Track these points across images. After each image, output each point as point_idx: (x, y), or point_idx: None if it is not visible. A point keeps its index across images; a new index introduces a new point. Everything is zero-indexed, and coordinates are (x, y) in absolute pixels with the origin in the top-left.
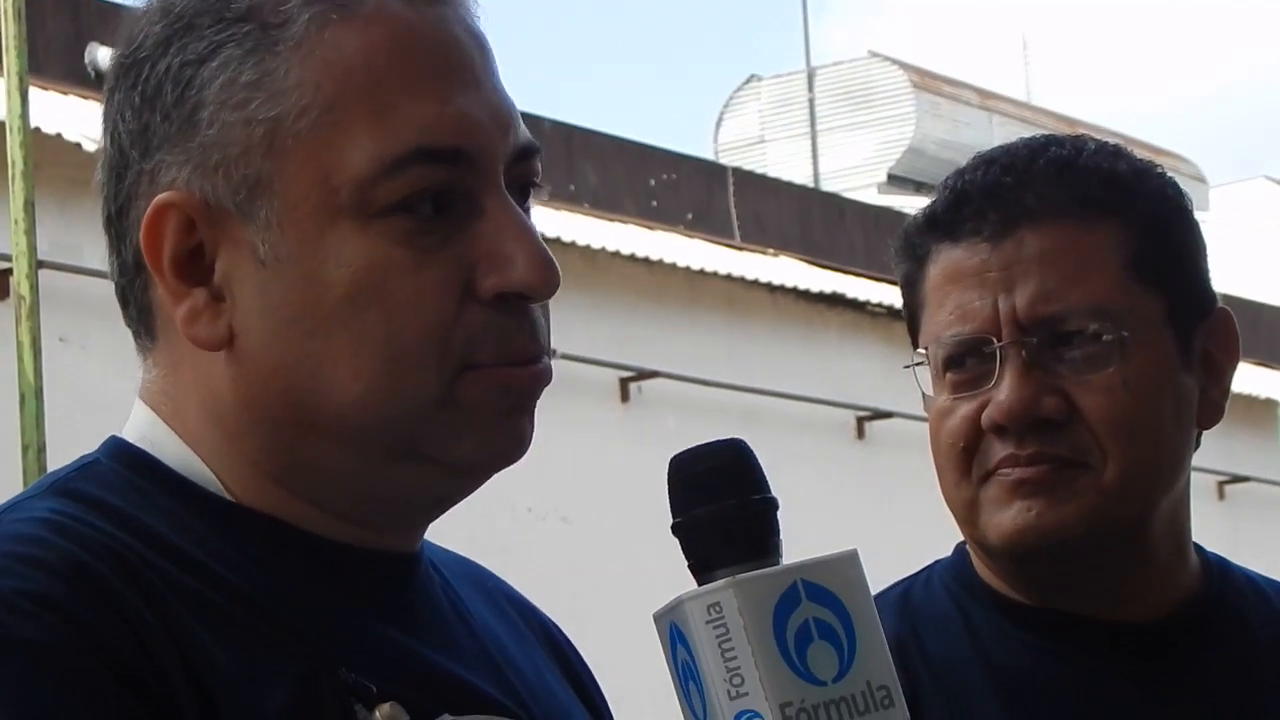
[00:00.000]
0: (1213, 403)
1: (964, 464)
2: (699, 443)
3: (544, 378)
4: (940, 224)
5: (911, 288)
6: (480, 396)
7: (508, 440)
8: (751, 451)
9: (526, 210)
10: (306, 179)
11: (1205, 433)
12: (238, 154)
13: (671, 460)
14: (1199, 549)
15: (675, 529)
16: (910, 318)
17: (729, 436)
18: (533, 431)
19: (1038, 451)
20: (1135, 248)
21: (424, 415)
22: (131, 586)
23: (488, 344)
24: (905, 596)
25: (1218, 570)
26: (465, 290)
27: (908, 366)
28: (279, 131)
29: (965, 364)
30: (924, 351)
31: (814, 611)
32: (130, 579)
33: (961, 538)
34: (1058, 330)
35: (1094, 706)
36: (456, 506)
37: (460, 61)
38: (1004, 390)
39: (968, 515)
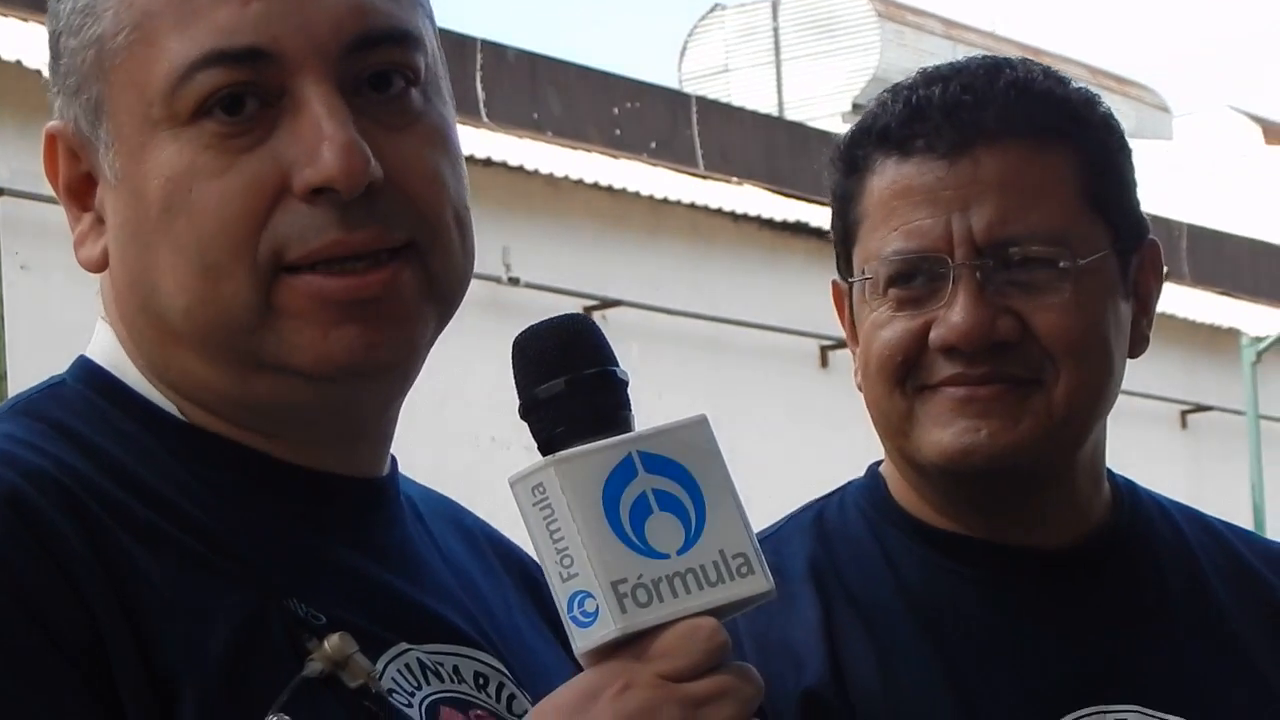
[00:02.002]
0: (1140, 332)
1: (899, 376)
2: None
3: (372, 287)
4: (891, 137)
5: (848, 201)
6: (298, 305)
7: (343, 349)
8: (591, 325)
9: (397, 101)
10: (129, 96)
11: (1168, 363)
12: (81, 80)
13: (513, 342)
14: (1110, 475)
15: (520, 412)
16: (843, 231)
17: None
18: (395, 342)
19: (991, 370)
20: (1087, 175)
21: (248, 323)
22: (70, 518)
23: (296, 241)
24: (819, 518)
25: (1128, 496)
26: (282, 190)
27: (850, 281)
28: (103, 52)
29: (912, 281)
30: (863, 270)
31: (653, 483)
32: (71, 511)
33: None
34: (1013, 253)
35: (1006, 630)
36: (420, 437)
37: None
38: (958, 312)
39: (899, 427)
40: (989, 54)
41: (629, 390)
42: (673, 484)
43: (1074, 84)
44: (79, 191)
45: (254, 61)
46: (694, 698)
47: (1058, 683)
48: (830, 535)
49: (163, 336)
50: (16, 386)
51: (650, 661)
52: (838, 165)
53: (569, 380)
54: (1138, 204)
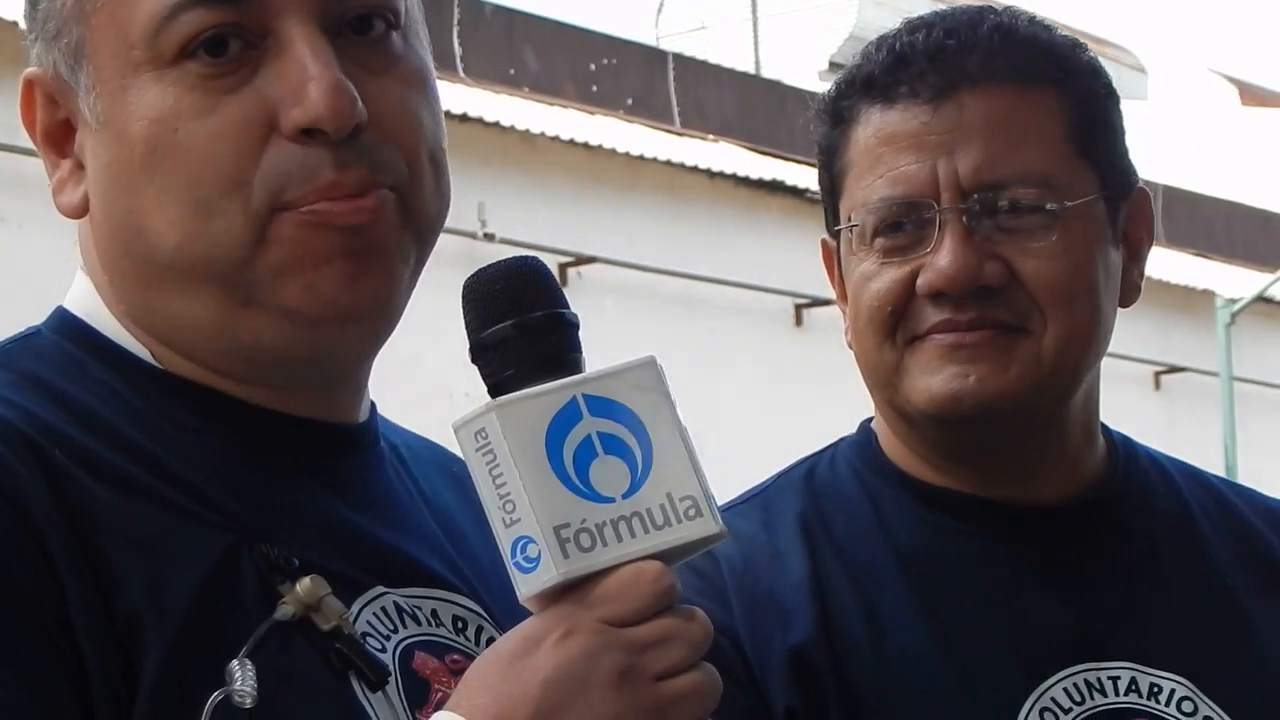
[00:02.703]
0: (1131, 281)
1: (889, 327)
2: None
3: (364, 213)
4: (875, 85)
5: (833, 152)
6: (294, 236)
7: (335, 285)
8: (540, 268)
9: (379, 44)
10: (111, 39)
11: (1142, 324)
12: (60, 24)
13: (462, 285)
14: (1106, 430)
15: (470, 356)
16: (830, 183)
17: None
18: (380, 278)
19: (978, 316)
20: (1073, 119)
21: (241, 259)
22: (33, 467)
23: (293, 181)
24: (810, 475)
25: (1123, 452)
26: (269, 129)
27: (837, 229)
28: None
29: (900, 229)
30: (850, 218)
31: (598, 426)
32: (34, 460)
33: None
34: (999, 197)
35: (998, 586)
36: (395, 391)
37: None
38: (944, 256)
39: (889, 379)
40: (979, 3)
41: (579, 333)
42: (619, 427)
43: (1058, 31)
44: (57, 138)
45: (237, 2)
46: (638, 643)
47: (1049, 639)
48: (821, 491)
49: (147, 278)
50: None
51: (594, 607)
52: (823, 117)
53: (516, 323)
54: (1126, 152)
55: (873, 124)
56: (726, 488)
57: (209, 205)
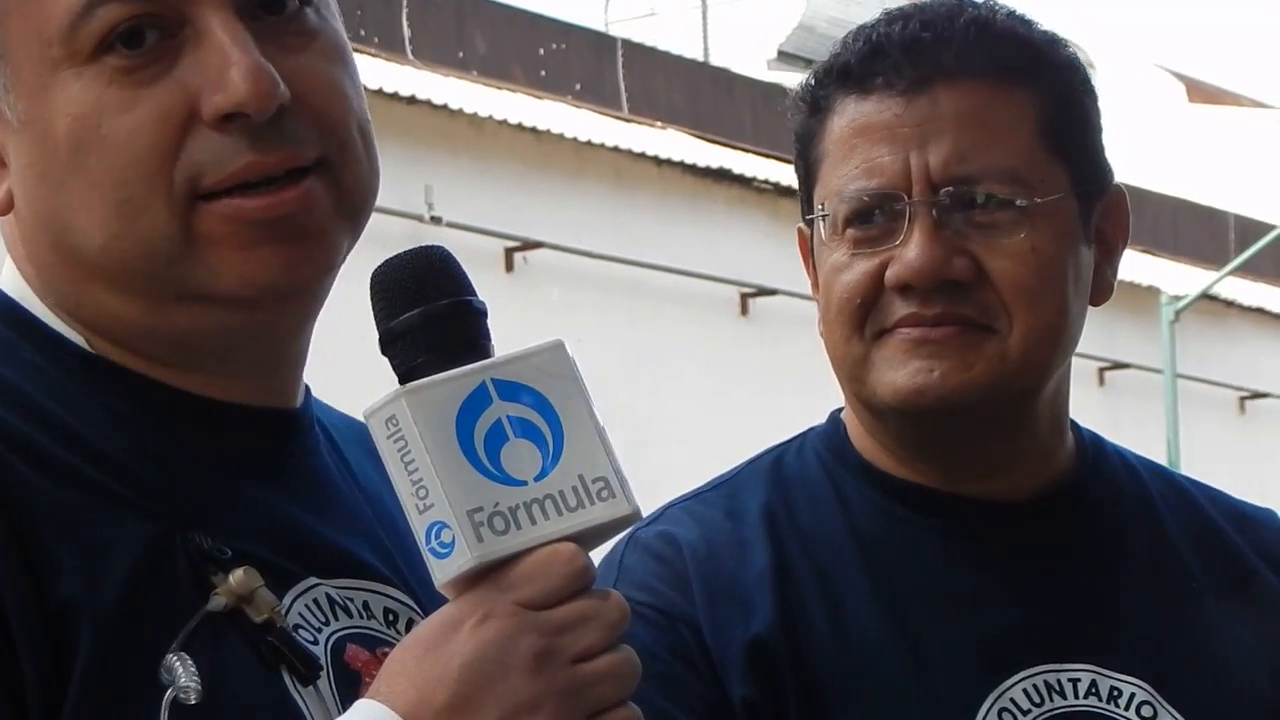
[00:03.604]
0: (1104, 280)
1: (858, 320)
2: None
3: (287, 204)
4: (851, 75)
5: (809, 140)
6: (217, 229)
7: (265, 270)
8: (446, 256)
9: (294, 21)
10: (27, 39)
11: (1086, 319)
12: None
13: (370, 276)
14: (1075, 426)
15: (380, 346)
16: (805, 171)
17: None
18: (314, 260)
19: (945, 311)
20: (1046, 116)
21: (170, 253)
22: None
23: (212, 167)
24: (777, 464)
25: (1091, 449)
26: (191, 119)
27: (809, 218)
28: None
29: (870, 220)
30: (822, 206)
31: (509, 410)
32: None
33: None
34: (969, 191)
35: (961, 583)
36: (341, 374)
37: None
38: (912, 249)
39: (856, 372)
40: None
41: (488, 320)
42: (529, 410)
43: (1039, 25)
44: None
45: None
46: (554, 625)
47: (1011, 638)
48: (788, 481)
49: (75, 274)
50: None
51: (509, 590)
52: (800, 106)
53: (423, 311)
54: (1102, 149)
55: (848, 114)
56: (672, 473)
57: (134, 203)
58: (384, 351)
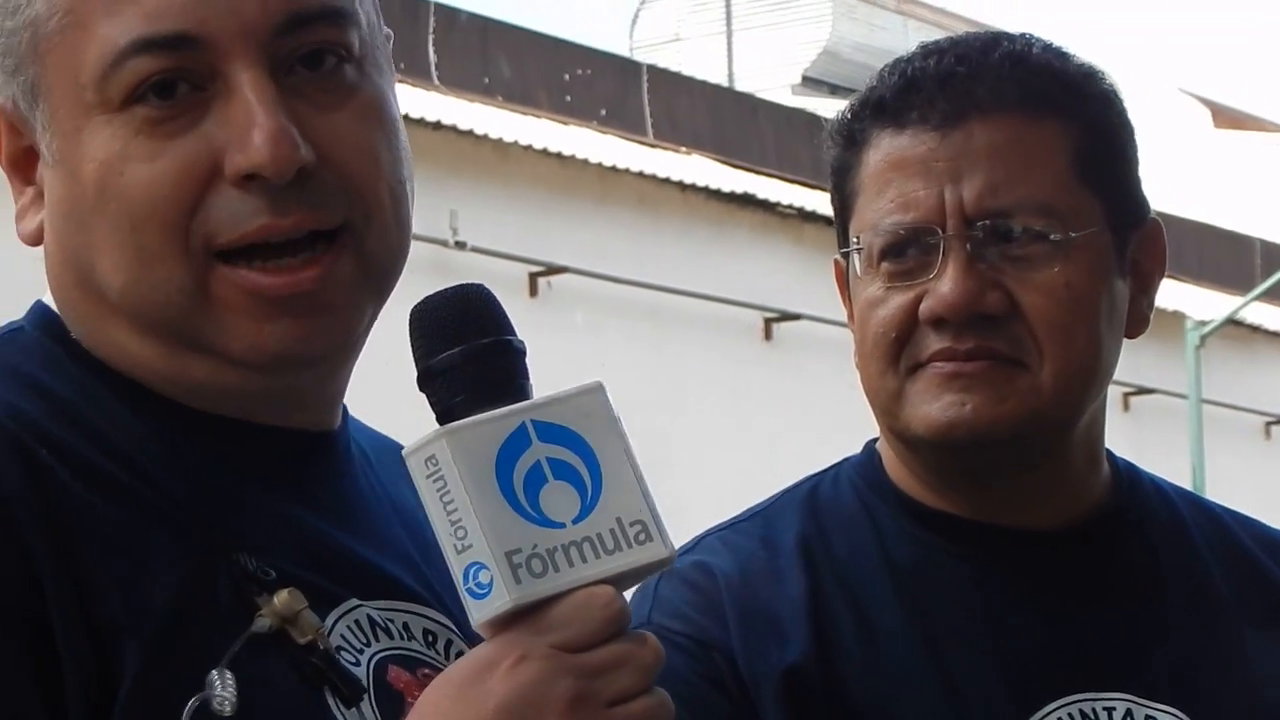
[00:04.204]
0: (1140, 312)
1: (893, 354)
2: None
3: (304, 283)
4: (886, 109)
5: (845, 174)
6: (232, 298)
7: (276, 341)
8: (487, 295)
9: (331, 78)
10: (64, 80)
11: None
12: (18, 61)
13: (409, 313)
14: (1110, 456)
15: (417, 383)
16: (841, 205)
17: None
18: (331, 332)
19: (977, 345)
20: (1081, 149)
21: (184, 306)
22: (15, 463)
23: (227, 226)
24: (813, 494)
25: (1127, 479)
26: (214, 174)
27: (844, 251)
28: (38, 35)
29: (905, 254)
30: (857, 239)
31: (548, 452)
32: (17, 455)
33: (867, 437)
34: (1003, 225)
35: (995, 612)
36: (365, 398)
37: None
38: (946, 283)
39: (890, 407)
40: (986, 30)
41: (527, 359)
42: (568, 452)
43: (1075, 58)
44: (21, 165)
45: (183, 47)
46: (590, 668)
47: (1045, 667)
48: (823, 511)
49: (99, 312)
50: None
51: (546, 632)
52: (835, 139)
53: (463, 350)
54: (1138, 182)
55: (882, 148)
56: (694, 497)
57: (150, 251)
58: (422, 389)
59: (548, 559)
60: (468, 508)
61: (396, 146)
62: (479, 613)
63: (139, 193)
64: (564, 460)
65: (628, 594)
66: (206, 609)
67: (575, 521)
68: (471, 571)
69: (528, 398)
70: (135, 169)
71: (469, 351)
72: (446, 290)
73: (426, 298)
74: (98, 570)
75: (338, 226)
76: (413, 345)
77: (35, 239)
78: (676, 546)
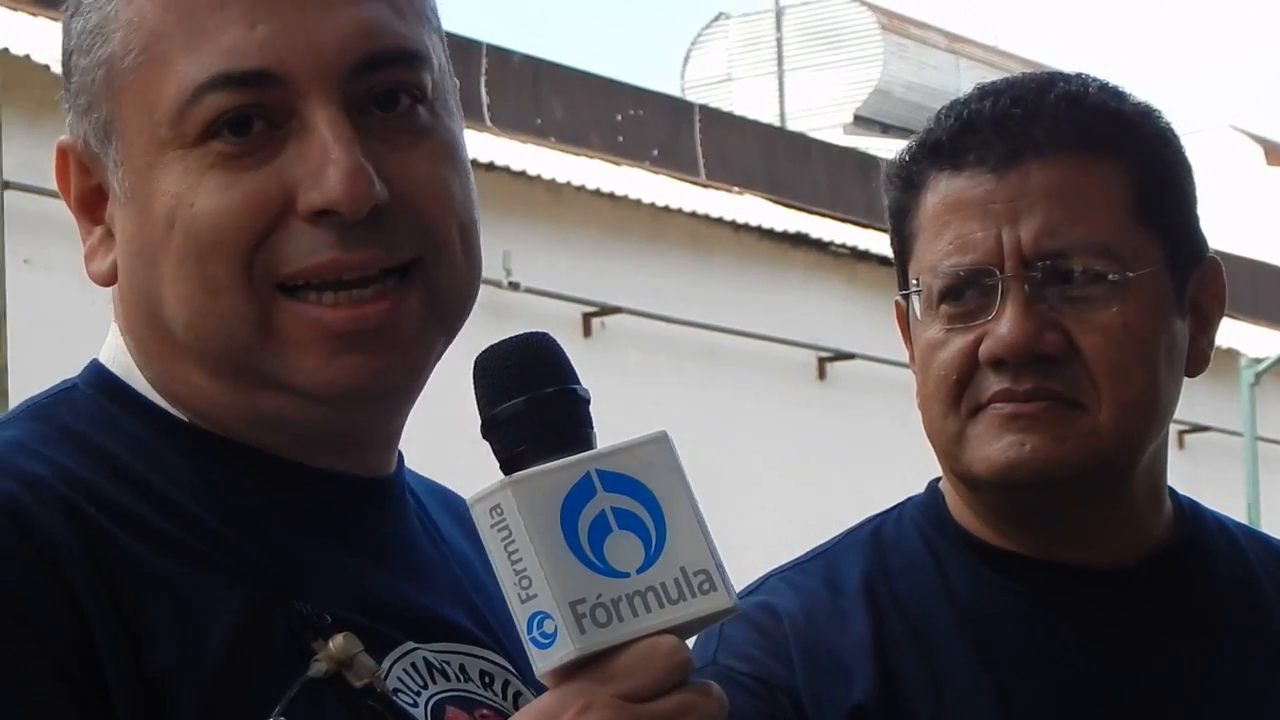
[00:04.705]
0: (1200, 351)
1: (954, 397)
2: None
3: (370, 318)
4: (943, 152)
5: (903, 216)
6: (297, 332)
7: (345, 375)
8: (551, 344)
9: (405, 119)
10: (139, 116)
11: None
12: (91, 99)
13: (474, 361)
14: (1173, 493)
15: (481, 432)
16: (900, 247)
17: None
18: (398, 367)
19: (1036, 386)
20: (1138, 188)
21: (248, 339)
22: (66, 524)
23: (292, 258)
24: (877, 534)
25: (1190, 516)
26: (286, 210)
27: (904, 294)
28: (113, 72)
29: (964, 296)
30: (916, 281)
31: (613, 501)
32: (68, 516)
33: (928, 475)
34: (1061, 266)
35: (1059, 650)
36: (417, 437)
37: None
38: (1005, 324)
39: (951, 449)
40: (1039, 69)
41: (590, 408)
42: (632, 502)
43: (1131, 98)
44: (90, 205)
45: (260, 84)
46: (654, 717)
47: (1106, 704)
48: (886, 550)
49: (168, 350)
50: (17, 378)
51: (610, 682)
52: (894, 181)
53: (529, 399)
54: (1196, 220)
55: (940, 190)
56: (749, 537)
57: (215, 282)
58: (486, 437)
59: (612, 609)
60: (532, 557)
61: (467, 187)
62: (543, 662)
63: (207, 223)
64: (628, 510)
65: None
66: (261, 656)
67: (640, 571)
68: (536, 621)
69: (591, 446)
70: (206, 201)
71: (533, 400)
72: (511, 339)
73: (491, 346)
74: (150, 621)
75: (409, 262)
76: (476, 394)
77: (107, 278)
78: (735, 586)
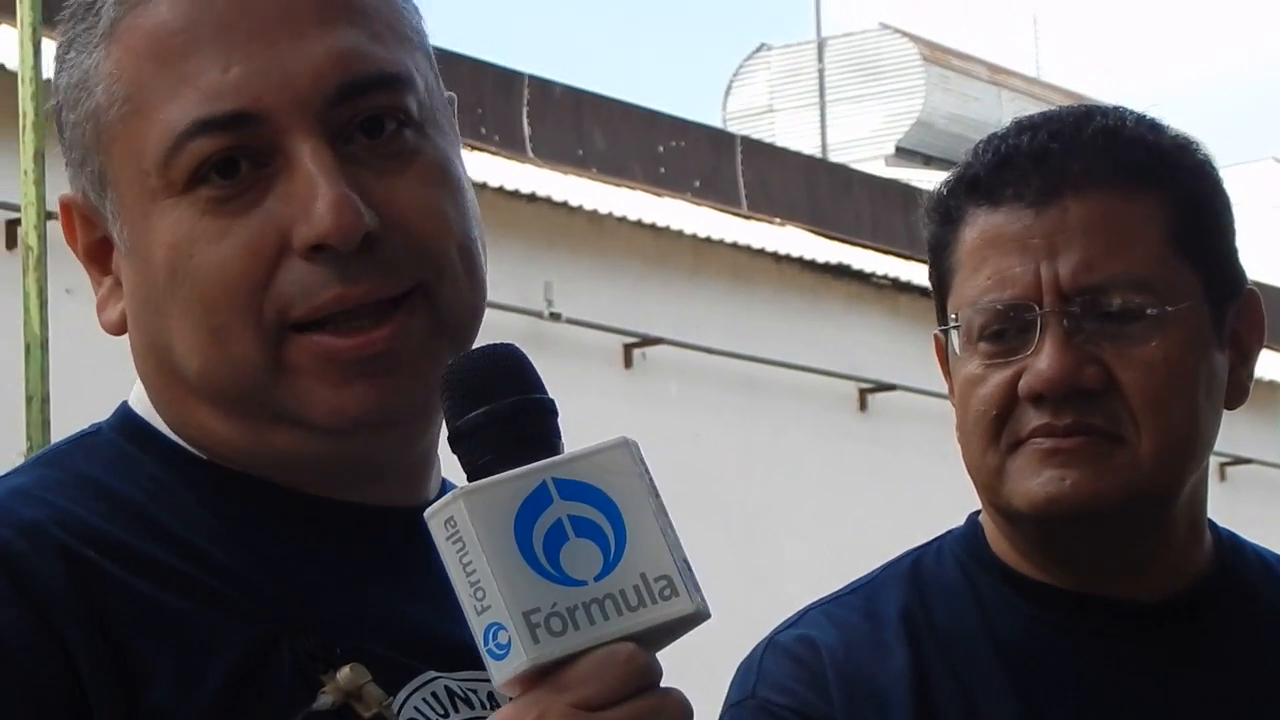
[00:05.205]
0: (1239, 383)
1: (994, 432)
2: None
3: (377, 343)
4: (981, 187)
5: (942, 251)
6: (307, 364)
7: (355, 404)
8: (515, 354)
9: (391, 143)
10: (129, 167)
11: None
12: (83, 153)
13: (441, 374)
14: (1212, 525)
15: (449, 443)
16: (939, 281)
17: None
18: (409, 390)
19: (1075, 421)
20: (1176, 221)
21: (261, 381)
22: (60, 568)
23: (300, 299)
24: (916, 566)
25: (1230, 548)
26: (283, 249)
27: (943, 328)
28: (100, 125)
29: (1003, 331)
30: (955, 316)
31: (569, 509)
32: (62, 560)
33: (968, 508)
34: (1100, 300)
35: (1098, 684)
36: (455, 466)
37: (261, 19)
38: (1045, 359)
39: (991, 483)
40: (1088, 104)
41: (557, 418)
42: (590, 509)
43: (1169, 130)
44: (98, 256)
45: (240, 125)
46: None
47: None
48: (925, 583)
49: (181, 394)
50: (59, 406)
51: (565, 690)
52: (932, 216)
53: (488, 411)
54: (1234, 253)
55: (978, 225)
56: (788, 568)
57: (224, 330)
58: (453, 449)
59: (567, 617)
60: (485, 568)
61: (463, 204)
62: (499, 674)
63: (209, 274)
64: (586, 517)
65: (720, 666)
66: (265, 690)
67: (597, 579)
68: (491, 632)
69: (556, 455)
70: (204, 250)
71: (494, 412)
72: (474, 350)
73: (455, 359)
74: (148, 659)
75: (410, 288)
76: (442, 406)
77: (118, 328)
78: (778, 616)
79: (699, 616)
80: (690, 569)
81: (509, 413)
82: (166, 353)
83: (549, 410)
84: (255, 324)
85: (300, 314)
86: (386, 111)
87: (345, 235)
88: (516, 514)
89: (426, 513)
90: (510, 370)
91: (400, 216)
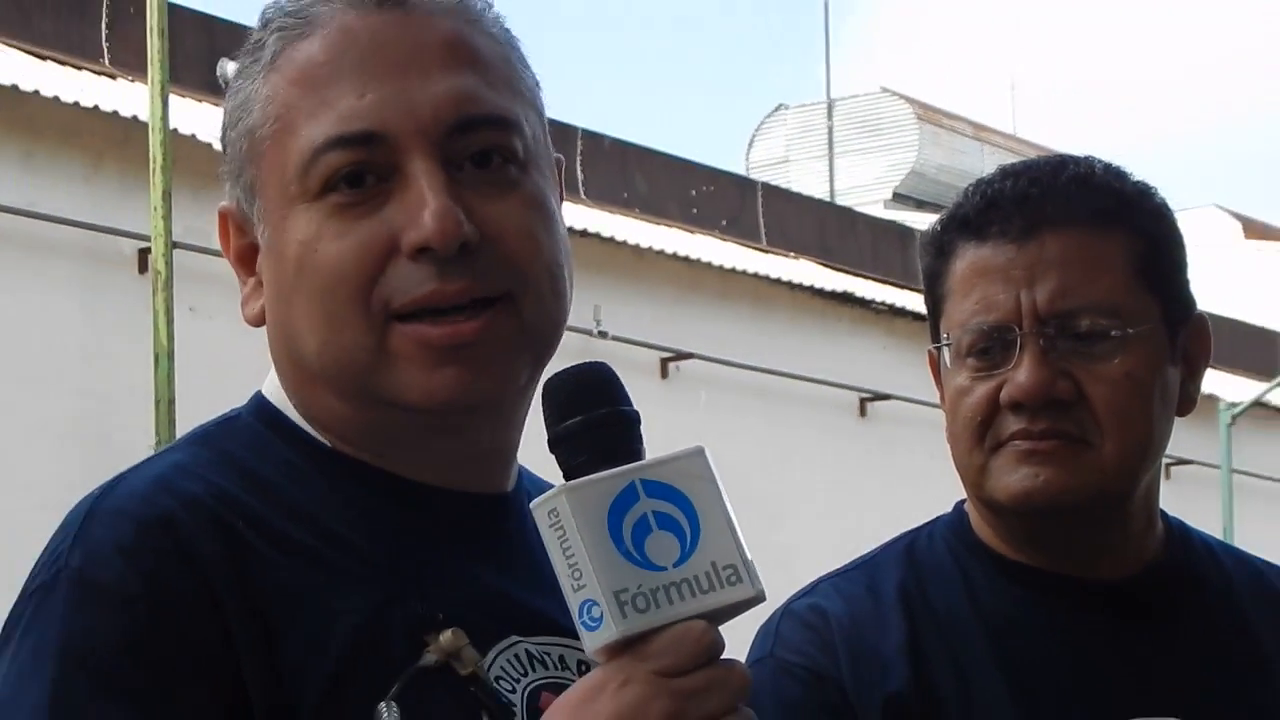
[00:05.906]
0: (1189, 395)
1: (979, 435)
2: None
3: (465, 334)
4: (970, 224)
5: (936, 280)
6: (405, 349)
7: (443, 384)
8: (605, 371)
9: (497, 174)
10: (275, 177)
11: None
12: (239, 166)
13: (542, 385)
14: (1164, 516)
15: (548, 446)
16: (933, 305)
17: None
18: (491, 376)
19: (1049, 427)
20: (1140, 256)
21: (367, 362)
22: (216, 537)
23: (402, 292)
24: (910, 548)
25: (1179, 535)
26: (392, 251)
27: (936, 346)
28: (254, 140)
29: (988, 348)
30: (947, 335)
31: (653, 506)
32: (218, 530)
33: (953, 499)
34: (1071, 323)
35: (1071, 651)
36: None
37: (396, 58)
38: (1023, 373)
39: (977, 479)
40: (1063, 154)
41: (640, 426)
42: (671, 506)
43: (1132, 177)
44: (245, 259)
45: (369, 143)
46: (684, 690)
47: (1112, 694)
48: (919, 563)
49: (304, 377)
50: (183, 409)
51: (647, 660)
52: (928, 249)
53: (584, 419)
54: (1187, 283)
55: (967, 257)
56: (800, 551)
57: (338, 316)
58: (551, 451)
59: (650, 597)
60: (582, 553)
61: (554, 234)
62: (590, 642)
63: (329, 266)
64: (667, 513)
65: (741, 630)
66: (380, 649)
67: (675, 565)
68: (585, 607)
69: (640, 458)
70: (327, 246)
71: (588, 420)
72: (573, 367)
73: (556, 373)
74: (283, 620)
75: (499, 294)
76: (544, 413)
77: (257, 320)
78: (786, 588)
79: (758, 599)
80: (750, 558)
81: (601, 422)
82: (293, 339)
83: (634, 421)
84: (364, 312)
85: (401, 305)
86: (495, 148)
87: (445, 240)
88: (609, 508)
89: (532, 504)
90: (602, 385)
91: (497, 233)
